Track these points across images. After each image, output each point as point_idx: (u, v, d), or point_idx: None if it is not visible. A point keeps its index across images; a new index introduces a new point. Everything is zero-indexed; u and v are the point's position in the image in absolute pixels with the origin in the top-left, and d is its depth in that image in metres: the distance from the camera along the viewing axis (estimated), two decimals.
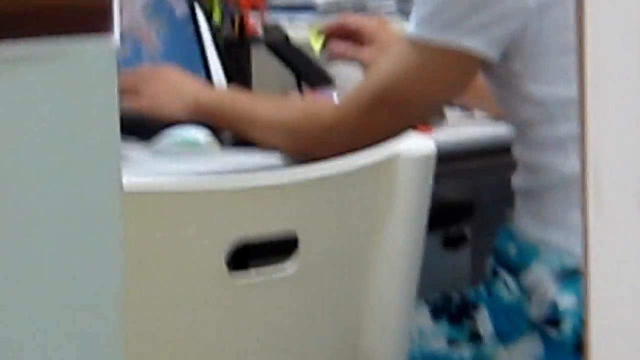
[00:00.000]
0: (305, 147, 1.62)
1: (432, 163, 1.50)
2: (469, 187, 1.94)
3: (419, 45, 1.55)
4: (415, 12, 1.55)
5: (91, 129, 0.99)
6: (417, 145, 1.49)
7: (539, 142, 1.61)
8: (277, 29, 2.00)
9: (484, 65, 1.55)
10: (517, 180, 1.66)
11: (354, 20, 1.88)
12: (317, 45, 2.05)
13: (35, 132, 1.00)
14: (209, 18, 1.90)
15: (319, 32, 2.05)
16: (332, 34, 1.86)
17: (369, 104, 1.59)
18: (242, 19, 1.93)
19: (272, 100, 1.79)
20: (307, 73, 2.01)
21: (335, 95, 1.93)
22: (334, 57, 1.85)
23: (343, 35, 1.83)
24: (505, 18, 1.53)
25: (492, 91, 1.66)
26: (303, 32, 2.06)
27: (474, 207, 2.05)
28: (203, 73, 1.81)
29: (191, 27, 1.86)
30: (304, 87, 2.00)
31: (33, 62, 0.96)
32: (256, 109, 1.68)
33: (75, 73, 0.99)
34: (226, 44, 1.90)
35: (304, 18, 2.12)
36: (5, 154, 0.96)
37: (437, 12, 1.53)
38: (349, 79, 2.06)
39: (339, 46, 1.82)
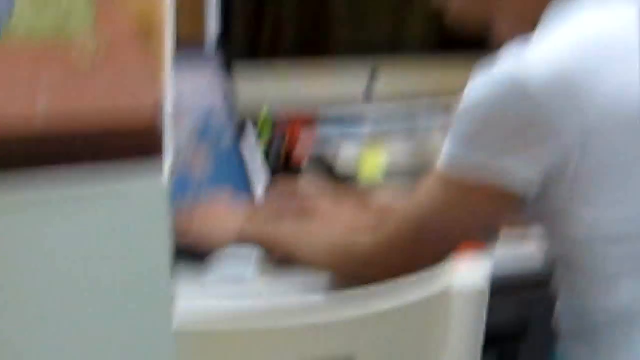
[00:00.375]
0: (345, 282, 1.59)
1: (486, 295, 1.49)
2: (523, 304, 1.89)
3: (447, 180, 1.49)
4: (447, 142, 1.49)
5: (145, 261, 1.02)
6: (470, 276, 1.49)
7: (585, 271, 1.54)
8: (322, 160, 1.95)
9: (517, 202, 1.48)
10: (566, 319, 1.62)
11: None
12: (366, 173, 2.02)
13: (92, 264, 1.03)
14: (258, 140, 1.89)
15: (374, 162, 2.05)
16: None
17: (404, 241, 1.54)
18: (288, 149, 1.91)
19: (312, 235, 1.74)
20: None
21: None
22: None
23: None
24: (538, 145, 1.41)
25: (535, 219, 1.58)
26: (353, 151, 2.02)
27: (527, 326, 1.98)
28: (247, 197, 1.80)
29: (238, 153, 1.86)
30: None
31: (96, 199, 0.97)
32: (296, 247, 1.68)
33: (131, 210, 1.00)
34: (273, 172, 1.87)
35: (355, 133, 2.07)
36: (70, 284, 1.00)
37: (462, 147, 1.45)
38: None
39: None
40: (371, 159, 2.08)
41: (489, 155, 1.43)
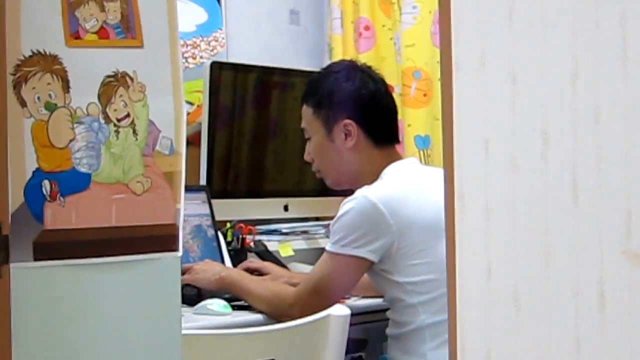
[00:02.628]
0: (277, 316, 2.30)
1: (349, 319, 2.12)
2: (365, 330, 2.59)
3: (333, 257, 2.30)
4: (331, 235, 2.33)
5: (161, 310, 1.55)
6: (338, 310, 2.14)
7: (400, 307, 2.32)
8: (261, 243, 3.12)
9: (369, 266, 2.29)
10: (389, 330, 2.40)
11: (254, 265, 2.77)
12: (283, 252, 3.25)
13: (124, 314, 1.55)
14: (224, 236, 3.06)
15: (284, 246, 3.25)
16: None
17: (309, 294, 2.29)
18: (242, 239, 3.06)
19: (259, 282, 2.52)
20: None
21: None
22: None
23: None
24: (379, 238, 2.27)
25: (372, 280, 2.40)
26: (274, 245, 3.18)
27: (367, 341, 2.75)
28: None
29: (215, 242, 2.97)
30: None
31: (129, 266, 1.52)
32: (249, 287, 2.42)
33: (156, 276, 1.58)
34: (235, 252, 3.01)
35: (275, 238, 3.25)
36: (111, 326, 1.50)
37: (340, 238, 2.27)
38: (300, 271, 3.22)
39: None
40: (284, 248, 3.21)
41: (356, 243, 2.26)
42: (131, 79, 1.63)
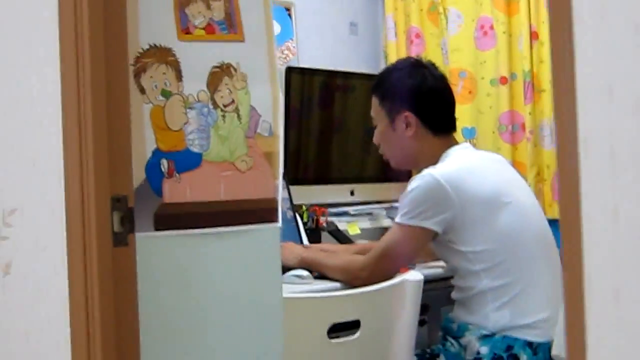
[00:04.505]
0: (350, 281, 2.19)
1: (422, 284, 2.07)
2: (426, 296, 2.27)
3: (401, 227, 2.15)
4: (400, 208, 2.19)
5: (265, 274, 1.50)
6: (413, 276, 2.09)
7: (464, 274, 2.18)
8: (332, 223, 3.00)
9: (434, 236, 2.15)
10: (454, 294, 2.26)
11: None
12: (351, 231, 3.17)
13: (232, 278, 1.48)
14: (301, 218, 2.96)
15: (352, 225, 3.17)
16: None
17: (378, 258, 2.17)
18: (316, 219, 2.95)
19: (333, 256, 2.38)
20: (343, 243, 2.97)
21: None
22: None
23: None
24: (444, 211, 2.13)
25: (436, 250, 2.23)
26: (343, 225, 3.07)
27: (429, 307, 2.62)
28: (299, 242, 2.83)
29: (294, 222, 2.86)
30: None
31: (236, 235, 1.48)
32: (326, 262, 2.30)
33: (260, 244, 1.54)
34: (310, 230, 2.91)
35: (344, 219, 3.13)
36: (219, 291, 1.42)
37: (408, 211, 2.14)
38: None
39: None
40: (352, 227, 3.10)
41: (422, 215, 2.12)
42: (234, 69, 1.56)
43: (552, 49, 0.76)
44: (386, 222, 3.20)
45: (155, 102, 1.44)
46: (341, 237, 2.99)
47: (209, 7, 1.51)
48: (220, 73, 1.52)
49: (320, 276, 2.33)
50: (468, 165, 2.28)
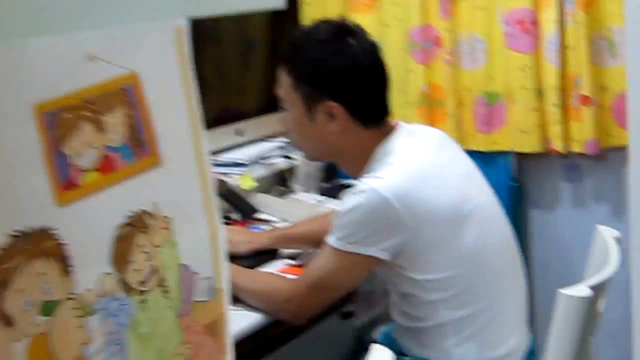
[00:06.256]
0: (273, 313, 1.78)
1: None
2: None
3: (338, 254, 1.68)
4: (335, 230, 1.68)
5: None
6: None
7: (416, 303, 1.76)
8: (224, 185, 2.44)
9: (379, 263, 1.70)
10: (399, 318, 1.84)
11: None
12: (245, 186, 2.60)
13: None
14: None
15: (245, 179, 2.60)
16: None
17: (309, 289, 1.72)
18: None
19: (252, 275, 1.87)
20: (243, 206, 2.47)
21: (263, 229, 2.33)
22: None
23: None
24: (393, 236, 1.66)
25: (379, 270, 1.77)
26: (234, 180, 2.52)
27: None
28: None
29: None
30: (242, 217, 2.43)
31: None
32: (241, 281, 1.77)
33: None
34: None
35: (235, 171, 2.56)
36: None
37: (348, 235, 1.67)
38: (268, 204, 2.61)
39: None
40: (245, 180, 2.53)
41: (366, 241, 1.66)
42: (151, 215, 0.93)
43: None
44: (283, 163, 2.70)
45: (32, 332, 0.81)
46: (239, 202, 2.47)
47: (100, 128, 0.85)
48: (130, 233, 0.90)
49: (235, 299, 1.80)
50: (419, 171, 1.75)
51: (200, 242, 0.99)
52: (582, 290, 1.64)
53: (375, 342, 2.13)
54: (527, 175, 2.77)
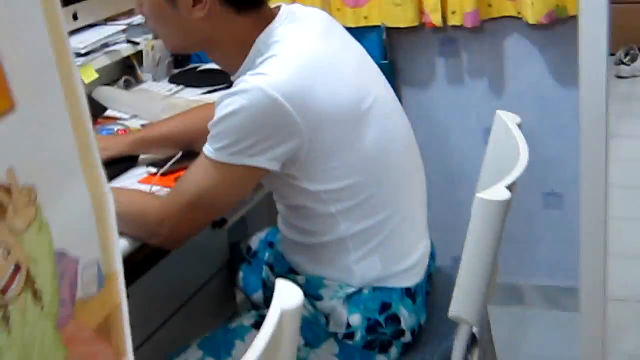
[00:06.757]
0: (143, 237, 1.51)
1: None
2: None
3: (218, 166, 1.41)
4: (213, 138, 1.41)
5: None
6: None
7: (312, 216, 1.52)
8: None
9: (267, 174, 1.45)
10: (287, 231, 1.61)
11: None
12: (86, 79, 2.22)
13: None
14: None
15: (86, 69, 2.22)
16: None
17: (185, 208, 1.45)
18: None
19: (122, 194, 1.55)
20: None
21: (116, 129, 2.00)
22: None
23: None
24: (284, 142, 1.40)
25: (269, 182, 1.54)
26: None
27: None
28: None
29: None
30: None
31: None
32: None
33: None
34: None
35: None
36: None
37: (229, 144, 1.39)
38: (114, 99, 2.26)
39: None
40: (86, 72, 2.15)
41: (251, 150, 1.39)
42: (4, 188, 0.60)
43: None
44: (125, 49, 2.32)
45: None
46: None
47: None
48: None
49: None
50: (310, 63, 1.45)
51: (80, 214, 0.67)
52: (501, 192, 1.45)
53: (253, 251, 1.92)
54: (398, 51, 2.55)
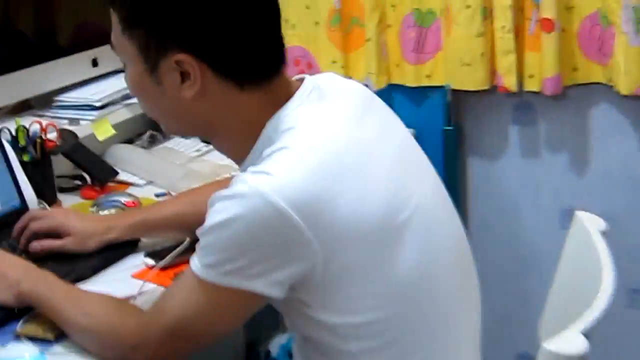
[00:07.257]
0: (108, 359, 1.26)
1: None
2: None
3: (207, 287, 1.15)
4: (201, 251, 1.15)
5: None
6: None
7: (326, 351, 1.24)
8: (68, 134, 1.83)
9: (267, 301, 1.19)
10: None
11: (39, 224, 1.52)
12: (101, 136, 1.96)
13: None
14: (15, 145, 1.69)
15: (100, 125, 1.97)
16: (27, 236, 1.52)
17: (163, 335, 1.20)
18: (42, 141, 1.72)
19: (81, 300, 1.31)
20: (97, 170, 1.87)
21: (124, 201, 1.73)
22: (39, 254, 1.48)
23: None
24: (290, 263, 1.13)
25: (277, 305, 1.24)
26: (86, 128, 1.93)
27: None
28: (15, 191, 1.61)
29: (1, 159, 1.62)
30: (96, 182, 1.84)
31: None
32: (66, 310, 1.28)
33: None
34: (35, 165, 1.70)
35: (87, 116, 1.94)
36: None
37: (221, 261, 1.13)
38: (129, 160, 1.98)
39: (42, 244, 1.50)
40: (101, 127, 1.96)
41: (248, 270, 1.13)
42: None
43: None
44: None
45: None
46: (91, 162, 1.86)
47: None
48: None
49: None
50: (332, 159, 1.13)
51: None
52: (576, 341, 1.15)
53: (272, 358, 1.74)
54: (465, 115, 2.34)
